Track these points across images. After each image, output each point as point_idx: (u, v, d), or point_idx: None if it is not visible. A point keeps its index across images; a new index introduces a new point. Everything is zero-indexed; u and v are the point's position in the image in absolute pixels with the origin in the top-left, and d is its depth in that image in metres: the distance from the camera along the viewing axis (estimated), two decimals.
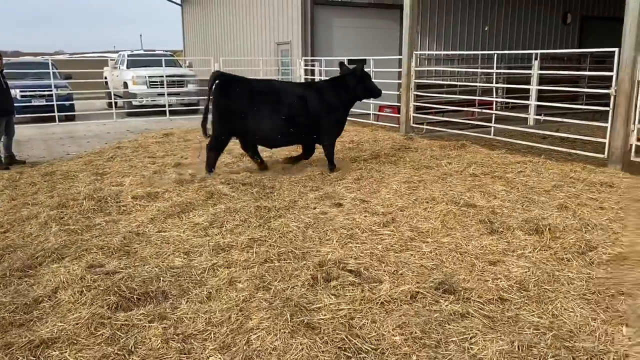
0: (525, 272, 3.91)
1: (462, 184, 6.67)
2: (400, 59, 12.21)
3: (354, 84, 7.74)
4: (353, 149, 9.54)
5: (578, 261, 4.12)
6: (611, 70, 7.75)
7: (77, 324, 3.30)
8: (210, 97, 7.20)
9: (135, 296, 3.68)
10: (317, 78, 14.98)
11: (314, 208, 5.79)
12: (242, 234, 4.91)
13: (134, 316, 3.41)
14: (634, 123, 7.50)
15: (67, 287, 3.81)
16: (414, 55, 11.48)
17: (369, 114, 13.33)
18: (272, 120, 7.25)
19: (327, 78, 8.44)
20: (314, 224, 5.21)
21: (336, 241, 4.70)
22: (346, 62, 13.70)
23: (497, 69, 11.26)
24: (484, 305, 3.48)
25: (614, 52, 7.73)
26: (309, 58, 15.29)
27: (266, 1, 17.21)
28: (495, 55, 10.29)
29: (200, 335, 3.20)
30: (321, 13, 15.72)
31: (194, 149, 9.57)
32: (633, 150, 7.58)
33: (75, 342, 3.12)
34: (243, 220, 5.31)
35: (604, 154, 8.00)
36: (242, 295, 3.67)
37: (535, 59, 12.34)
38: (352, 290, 3.70)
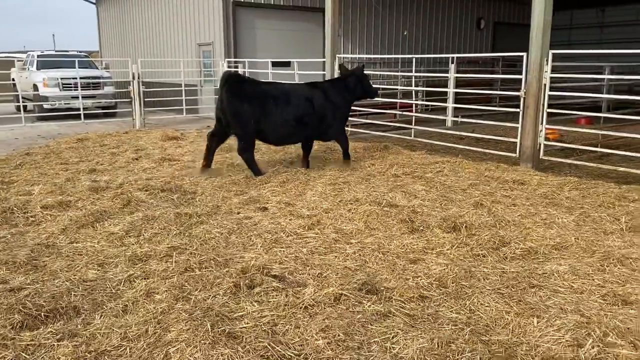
0: (444, 269, 4.02)
1: (384, 184, 6.79)
2: (323, 62, 12.30)
3: (354, 84, 8.08)
4: (279, 151, 9.48)
5: (492, 257, 4.30)
6: (521, 73, 8.19)
7: None
8: (221, 100, 7.35)
9: (42, 313, 3.42)
10: None
11: (238, 213, 5.68)
12: (161, 243, 4.72)
13: (41, 335, 3.17)
14: (541, 123, 7.97)
15: None
16: (337, 58, 11.60)
17: None
18: (283, 120, 7.50)
19: (329, 79, 8.77)
20: (238, 229, 5.11)
21: (260, 246, 4.63)
22: (270, 64, 13.73)
23: (416, 72, 11.63)
24: (405, 303, 3.53)
25: (522, 56, 8.18)
26: (232, 59, 15.08)
27: (186, 1, 16.79)
28: (414, 59, 10.59)
29: (114, 352, 3.03)
30: (243, 14, 15.56)
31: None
32: (542, 149, 8.05)
33: None
34: (162, 228, 5.11)
35: (516, 153, 8.45)
36: (161, 307, 3.51)
37: (452, 62, 12.85)
38: (276, 295, 3.64)
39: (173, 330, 3.20)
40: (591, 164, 7.79)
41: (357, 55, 17.08)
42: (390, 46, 18.40)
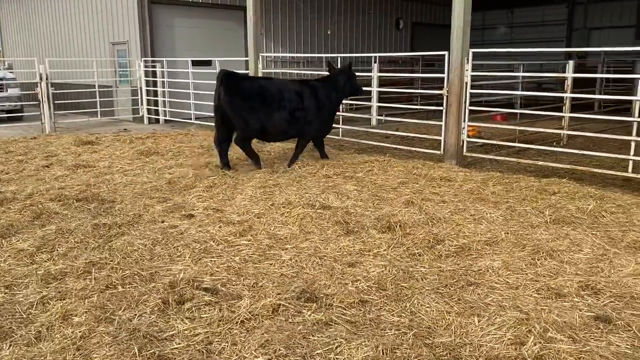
0: (382, 271, 3.94)
1: (316, 185, 6.67)
2: (246, 61, 12.02)
3: (344, 82, 8.18)
4: (203, 154, 9.11)
5: (428, 255, 4.28)
6: (441, 72, 8.38)
7: None
8: (219, 98, 7.46)
9: None
10: (159, 80, 14.19)
11: (162, 222, 5.33)
12: (78, 258, 4.31)
13: None
14: (464, 121, 8.18)
15: None
16: (260, 57, 11.36)
17: None
18: (280, 116, 7.61)
19: (319, 77, 8.64)
20: (163, 239, 4.77)
21: (189, 257, 4.34)
22: (190, 63, 13.24)
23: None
24: (346, 310, 3.41)
25: (444, 55, 8.36)
26: (149, 59, 14.41)
27: None
28: (339, 58, 10.57)
29: None
30: (160, 12, 14.91)
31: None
32: (465, 146, 8.26)
33: None
34: (78, 242, 4.68)
35: (440, 150, 8.63)
36: (80, 331, 3.16)
37: (375, 62, 12.99)
38: (209, 310, 3.40)
39: (96, 357, 2.88)
40: (511, 159, 8.09)
41: (281, 54, 16.92)
42: (314, 45, 18.38)
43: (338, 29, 19.10)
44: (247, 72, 11.32)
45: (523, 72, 16.54)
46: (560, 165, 7.49)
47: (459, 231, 4.78)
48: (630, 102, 13.17)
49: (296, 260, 4.20)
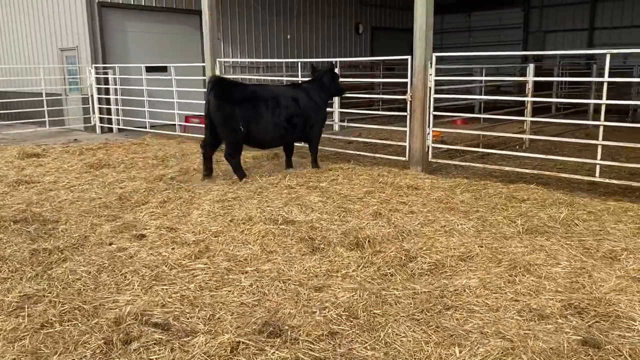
0: (353, 295, 3.61)
1: (278, 197, 6.31)
2: (203, 67, 11.56)
3: (329, 82, 8.10)
4: (158, 165, 8.62)
5: (401, 275, 3.99)
6: (402, 76, 8.18)
7: None
8: (209, 103, 7.21)
9: None
10: (111, 88, 13.54)
11: (110, 244, 4.87)
12: (11, 291, 3.82)
13: None
14: (429, 126, 7.97)
15: None
16: (217, 62, 10.93)
17: (174, 124, 12.38)
18: (275, 123, 7.44)
19: (307, 79, 8.54)
20: (110, 265, 4.32)
21: (138, 285, 3.91)
22: (144, 69, 12.67)
23: (301, 77, 11.28)
24: (314, 344, 3.07)
25: (406, 59, 8.15)
26: (101, 65, 13.74)
27: (44, 1, 15.06)
28: (299, 63, 10.25)
29: None
30: (111, 16, 14.26)
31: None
32: (430, 151, 8.06)
33: None
34: (13, 271, 4.18)
35: (405, 156, 8.41)
36: None
37: (336, 66, 12.70)
38: (159, 351, 3.00)
39: None
40: (477, 165, 7.93)
41: (239, 59, 16.48)
42: (273, 50, 18.01)
43: (298, 33, 18.80)
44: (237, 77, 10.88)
45: (483, 76, 16.68)
46: (527, 171, 7.36)
47: (431, 246, 4.50)
48: (587, 104, 13.39)
49: (257, 286, 3.83)
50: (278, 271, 4.09)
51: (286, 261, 4.28)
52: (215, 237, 4.94)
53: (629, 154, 9.19)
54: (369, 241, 4.56)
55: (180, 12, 15.51)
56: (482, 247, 4.50)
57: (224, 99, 7.22)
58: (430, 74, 7.79)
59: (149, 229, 5.28)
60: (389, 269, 4.03)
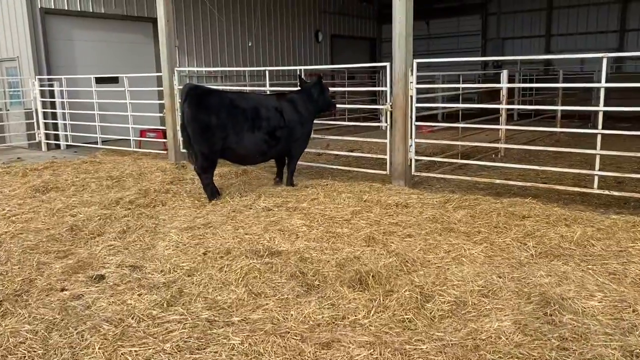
0: (371, 353, 2.95)
1: (256, 222, 5.61)
2: (158, 77, 10.72)
3: (318, 94, 7.47)
4: (113, 187, 7.73)
5: (421, 320, 3.36)
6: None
7: None
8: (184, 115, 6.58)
9: None
10: (57, 101, 12.45)
11: (62, 290, 4.04)
12: None
13: None
14: (411, 138, 7.45)
15: None
16: (175, 72, 10.12)
17: (129, 139, 11.43)
18: (255, 136, 6.79)
19: (294, 90, 7.86)
20: (62, 320, 3.51)
21: (99, 348, 3.13)
22: (94, 81, 11.69)
23: (268, 86, 10.60)
24: None
25: (385, 66, 7.63)
26: (45, 77, 12.64)
27: None
28: (267, 72, 9.58)
29: None
30: (56, 24, 13.19)
31: None
32: (413, 165, 7.54)
33: None
34: None
35: (385, 170, 7.86)
36: None
37: (300, 75, 12.09)
38: None
39: None
40: (465, 177, 7.47)
41: (200, 69, 15.64)
42: (231, 59, 17.24)
43: (258, 41, 18.11)
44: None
45: (443, 83, 16.44)
46: (521, 183, 6.92)
47: (444, 279, 3.91)
48: (554, 110, 13.28)
49: (250, 344, 3.11)
50: (272, 321, 3.39)
51: (280, 307, 3.59)
52: (188, 276, 4.19)
53: (604, 161, 8.93)
54: (372, 276, 3.91)
55: (132, 19, 14.57)
56: (500, 277, 3.95)
57: (199, 108, 6.55)
58: (411, 82, 7.28)
59: (108, 267, 4.48)
60: (406, 314, 3.40)
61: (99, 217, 5.92)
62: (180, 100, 6.83)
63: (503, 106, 9.76)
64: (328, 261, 4.40)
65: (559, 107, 12.04)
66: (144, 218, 5.92)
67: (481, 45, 22.27)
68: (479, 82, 18.60)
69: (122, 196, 6.96)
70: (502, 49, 21.75)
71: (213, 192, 6.77)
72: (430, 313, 3.43)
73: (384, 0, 23.28)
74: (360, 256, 4.51)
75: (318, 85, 7.49)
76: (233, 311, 3.56)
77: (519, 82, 16.46)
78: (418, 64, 7.28)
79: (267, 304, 3.63)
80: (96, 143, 11.95)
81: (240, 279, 4.04)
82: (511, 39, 21.70)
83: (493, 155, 10.20)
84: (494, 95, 14.86)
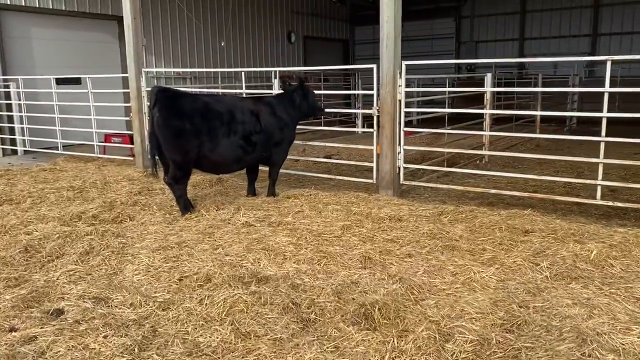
0: None
1: (236, 239, 5.04)
2: (123, 78, 10.01)
3: (300, 99, 6.96)
4: (75, 198, 7.02)
5: None
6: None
7: None
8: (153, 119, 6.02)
9: None
10: (14, 103, 11.55)
11: (12, 330, 3.39)
12: None
13: None
14: (399, 144, 6.99)
15: None
16: (143, 73, 9.44)
17: (93, 145, 10.65)
18: (230, 142, 6.27)
19: (275, 94, 7.42)
20: None
21: None
22: (54, 82, 10.88)
23: (239, 88, 10.03)
24: None
25: (371, 68, 7.18)
26: (0, 77, 11.74)
27: None
28: (243, 74, 9.01)
29: None
30: (12, 20, 12.28)
31: None
32: (402, 173, 7.08)
33: None
34: None
35: (371, 178, 7.39)
36: None
37: (275, 77, 11.55)
38: None
39: None
40: (458, 187, 7.05)
41: (164, 69, 14.89)
42: (202, 60, 16.54)
43: (228, 42, 17.45)
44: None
45: (419, 86, 16.15)
46: (518, 194, 6.53)
47: (460, 311, 3.44)
48: (533, 115, 13.09)
49: None
50: None
51: (274, 351, 3.04)
52: (163, 310, 3.60)
53: (589, 167, 8.67)
54: (378, 309, 3.40)
55: (95, 17, 13.73)
56: (521, 307, 3.50)
57: (171, 112, 5.99)
58: (399, 85, 6.83)
59: (68, 299, 3.85)
60: (425, 358, 2.90)
61: (57, 236, 5.24)
62: (148, 104, 6.16)
63: (488, 111, 9.44)
64: (323, 288, 3.88)
65: (541, 113, 11.85)
66: (110, 236, 5.28)
67: (455, 49, 22.12)
68: (453, 86, 18.38)
69: (85, 210, 6.27)
70: (476, 52, 21.65)
71: (186, 205, 6.18)
72: (452, 356, 2.94)
73: (357, 2, 23.10)
74: (358, 281, 4.01)
75: (300, 89, 6.96)
76: (219, 358, 3.00)
77: (495, 86, 16.28)
78: (407, 66, 6.84)
79: (258, 347, 3.08)
80: (57, 148, 11.11)
81: (225, 313, 3.47)
82: (485, 42, 21.62)
83: (477, 162, 9.86)
84: (468, 100, 14.62)
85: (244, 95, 8.74)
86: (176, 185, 6.14)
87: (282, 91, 7.34)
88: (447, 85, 15.06)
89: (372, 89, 7.21)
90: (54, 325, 3.43)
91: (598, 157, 5.98)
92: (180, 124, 5.96)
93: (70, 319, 3.53)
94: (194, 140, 6.03)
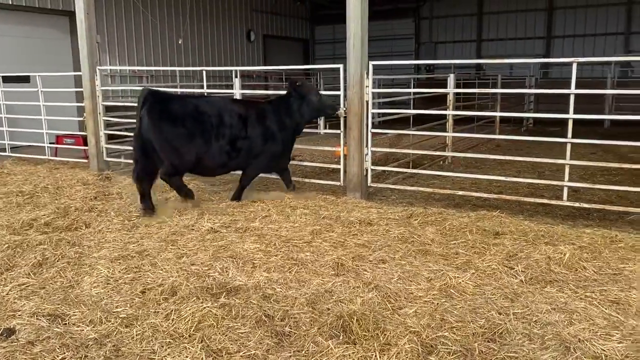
0: None
1: (202, 247, 4.80)
2: (77, 76, 9.54)
3: (298, 104, 6.58)
4: (25, 204, 6.59)
5: None
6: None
7: None
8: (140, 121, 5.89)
9: None
10: None
11: None
12: None
13: None
14: (367, 146, 6.89)
15: None
16: (97, 71, 9.01)
17: (43, 146, 10.11)
18: (218, 145, 6.12)
19: (273, 99, 6.98)
20: None
21: None
22: (0, 80, 10.28)
23: (199, 87, 9.72)
24: None
25: (338, 68, 7.05)
26: None
27: None
28: (205, 72, 8.71)
29: None
30: None
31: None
32: (369, 175, 6.98)
33: None
34: None
35: (338, 180, 7.27)
36: None
37: (236, 76, 11.28)
38: None
39: None
40: (426, 189, 6.98)
41: (119, 67, 14.37)
42: (158, 58, 16.06)
43: (186, 40, 17.01)
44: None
45: (379, 87, 16.16)
46: (486, 195, 6.52)
47: (440, 320, 3.33)
48: (493, 117, 13.29)
49: None
50: None
51: None
52: (126, 326, 3.35)
53: (550, 168, 8.83)
54: (357, 320, 3.26)
55: (45, 12, 13.10)
56: (501, 314, 3.43)
57: (162, 116, 5.86)
58: (367, 86, 6.73)
59: (20, 316, 3.54)
60: None
61: (7, 246, 4.87)
62: (137, 106, 5.95)
63: (451, 112, 9.48)
64: (296, 298, 3.71)
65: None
66: (65, 245, 4.94)
67: (414, 49, 22.32)
68: (413, 87, 18.51)
69: (37, 217, 5.88)
70: (435, 53, 21.90)
71: (188, 193, 6.26)
72: None
73: (317, 1, 22.98)
74: (332, 290, 3.86)
75: (297, 93, 6.61)
76: None
77: (454, 87, 16.47)
78: (374, 66, 6.74)
79: None
80: (4, 151, 10.51)
81: (193, 328, 3.25)
82: (443, 43, 21.90)
83: (441, 162, 9.90)
84: (428, 101, 14.70)
85: (247, 97, 8.46)
86: (171, 178, 6.09)
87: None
88: (410, 86, 15.13)
89: (334, 89, 7.07)
90: (4, 348, 3.13)
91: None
92: (173, 128, 5.89)
93: (22, 339, 3.23)
94: (187, 144, 5.95)
